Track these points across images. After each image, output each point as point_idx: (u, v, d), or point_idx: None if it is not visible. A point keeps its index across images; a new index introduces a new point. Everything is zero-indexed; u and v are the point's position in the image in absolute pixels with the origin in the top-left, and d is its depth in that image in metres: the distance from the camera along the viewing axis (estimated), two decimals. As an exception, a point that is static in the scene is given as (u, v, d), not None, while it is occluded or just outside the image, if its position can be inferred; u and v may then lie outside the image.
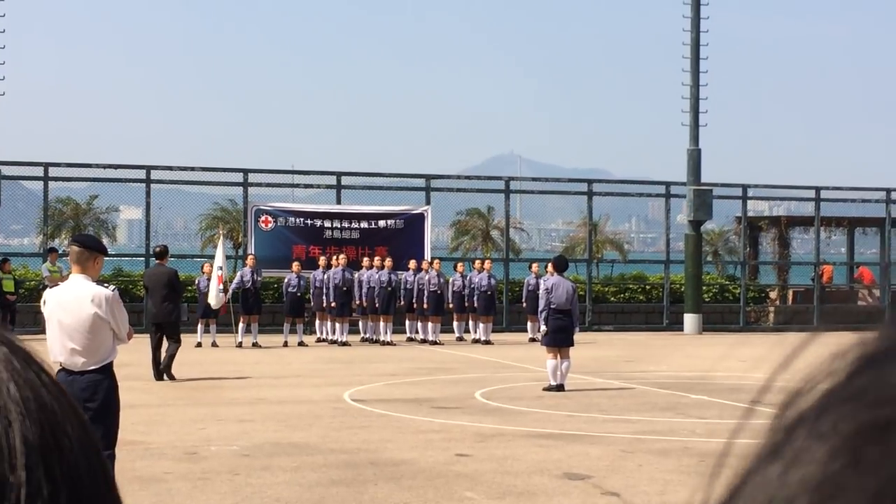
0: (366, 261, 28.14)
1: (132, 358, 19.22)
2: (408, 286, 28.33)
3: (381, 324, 27.55)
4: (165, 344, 19.25)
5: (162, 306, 19.42)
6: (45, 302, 8.14)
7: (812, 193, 37.19)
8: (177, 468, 10.85)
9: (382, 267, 27.73)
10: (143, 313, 29.56)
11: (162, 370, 18.91)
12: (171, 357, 19.05)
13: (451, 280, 28.88)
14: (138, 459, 11.20)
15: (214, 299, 25.25)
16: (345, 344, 26.75)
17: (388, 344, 27.11)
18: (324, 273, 27.57)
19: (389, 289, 27.56)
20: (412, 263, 28.60)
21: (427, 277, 28.11)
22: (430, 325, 27.90)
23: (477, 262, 30.05)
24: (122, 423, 8.33)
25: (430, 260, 29.32)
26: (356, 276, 27.58)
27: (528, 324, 29.50)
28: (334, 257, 28.14)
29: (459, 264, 29.95)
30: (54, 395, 0.74)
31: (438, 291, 27.97)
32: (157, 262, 20.39)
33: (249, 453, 11.67)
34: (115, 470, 8.11)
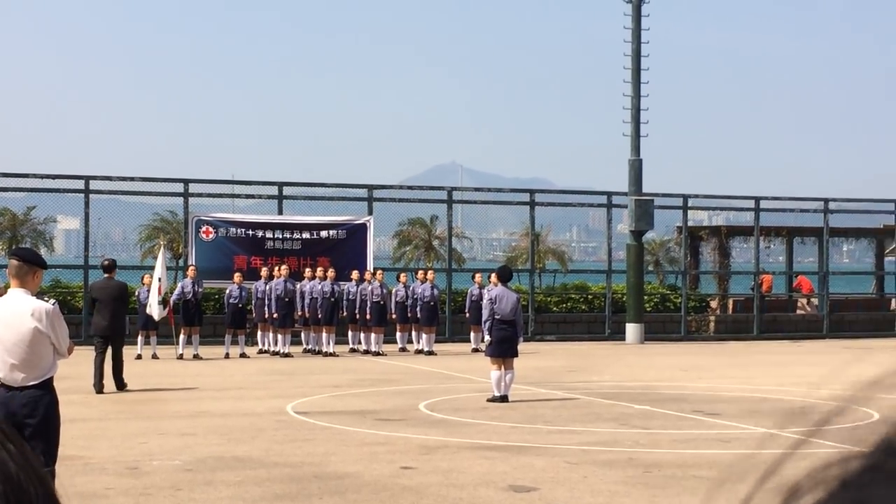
0: (308, 271, 28.01)
1: (72, 371, 18.98)
2: (350, 297, 28.21)
3: (324, 335, 27.41)
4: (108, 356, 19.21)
5: (113, 320, 19.48)
6: (-18, 317, 7.99)
7: (751, 203, 37.53)
8: (118, 483, 10.69)
9: (325, 277, 27.60)
10: (81, 325, 29.37)
11: (117, 381, 19.02)
12: (118, 371, 19.16)
13: (393, 290, 28.80)
14: (78, 475, 11.03)
15: (156, 311, 25.07)
16: (287, 355, 26.58)
17: (331, 355, 26.98)
18: (266, 284, 27.41)
19: (332, 299, 27.42)
20: (355, 274, 28.49)
21: (370, 288, 28.01)
22: (372, 335, 27.79)
23: (420, 272, 29.98)
24: (63, 437, 8.20)
25: (372, 270, 29.23)
26: (298, 286, 27.44)
27: (472, 334, 29.50)
28: (276, 268, 27.99)
29: (402, 275, 29.88)
30: (19, 464, 0.69)
31: (381, 302, 27.87)
32: (105, 275, 20.27)
33: (192, 468, 11.53)
34: (55, 486, 7.97)
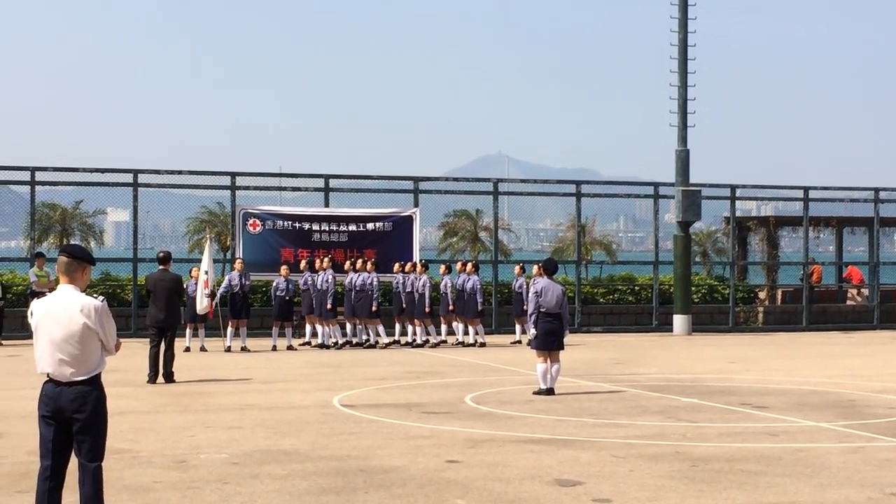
0: (348, 264, 27.96)
1: (121, 364, 19.18)
2: (397, 289, 28.20)
3: (372, 326, 27.47)
4: (162, 347, 19.53)
5: (168, 311, 19.75)
6: (31, 313, 8.06)
7: (800, 193, 37.19)
8: (166, 477, 10.77)
9: (365, 269, 27.46)
10: (130, 318, 29.65)
11: (164, 375, 19.28)
12: (170, 361, 19.45)
13: (441, 282, 28.72)
14: (127, 468, 11.13)
15: (200, 304, 25.26)
16: (336, 346, 26.71)
17: (371, 346, 27.03)
18: (311, 275, 27.42)
19: (375, 292, 27.38)
20: (396, 266, 28.44)
21: (414, 279, 27.95)
22: (419, 328, 27.78)
23: (459, 264, 29.85)
24: (111, 430, 8.26)
25: (419, 262, 29.17)
26: (347, 279, 27.50)
27: (516, 326, 29.41)
28: (319, 260, 27.87)
29: (442, 266, 29.60)
30: None
31: (427, 294, 27.75)
32: (160, 267, 20.51)
33: (239, 461, 11.59)
34: (103, 481, 8.05)
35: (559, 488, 10.34)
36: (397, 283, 28.22)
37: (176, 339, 20.24)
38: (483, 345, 27.70)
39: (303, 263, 28.06)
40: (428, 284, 27.93)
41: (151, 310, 19.96)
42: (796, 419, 15.08)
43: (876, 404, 16.85)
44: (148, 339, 19.88)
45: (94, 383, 7.91)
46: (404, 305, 28.00)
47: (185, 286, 25.92)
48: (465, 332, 28.35)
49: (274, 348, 26.53)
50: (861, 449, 12.69)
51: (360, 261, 27.94)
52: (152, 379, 19.16)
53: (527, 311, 18.88)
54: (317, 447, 12.50)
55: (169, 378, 19.30)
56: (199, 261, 26.91)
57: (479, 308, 28.15)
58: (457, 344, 27.93)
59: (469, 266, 28.93)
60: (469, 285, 28.06)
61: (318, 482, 10.53)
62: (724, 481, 10.68)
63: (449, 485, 10.46)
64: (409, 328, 28.08)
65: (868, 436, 13.67)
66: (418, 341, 27.60)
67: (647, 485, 10.50)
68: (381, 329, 27.58)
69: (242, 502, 9.70)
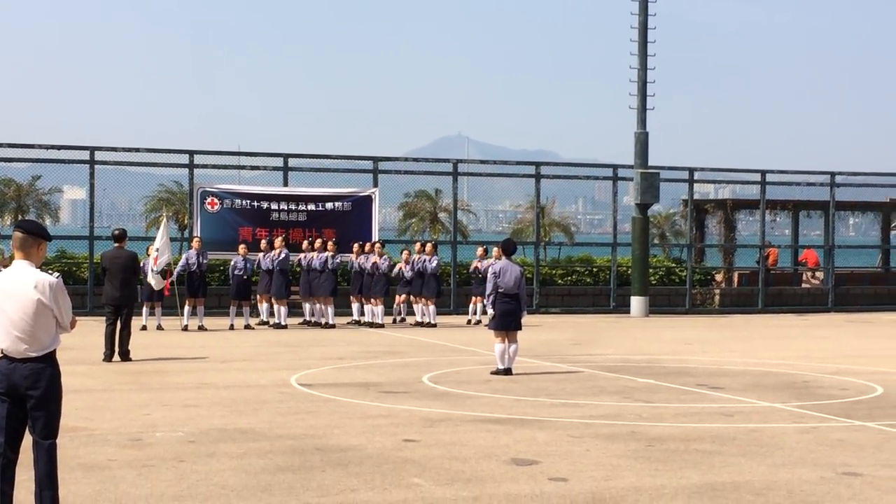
0: (305, 244, 27.95)
1: (77, 342, 19.05)
2: (354, 268, 28.17)
3: (327, 307, 27.43)
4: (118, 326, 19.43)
5: (124, 289, 19.64)
6: (-15, 289, 7.98)
7: (757, 177, 37.43)
8: (121, 455, 10.72)
9: (325, 249, 27.49)
10: (86, 296, 29.44)
11: (120, 354, 19.17)
12: (129, 336, 19.40)
13: (399, 262, 28.70)
14: (82, 446, 11.06)
15: (153, 280, 25.11)
16: (283, 327, 26.67)
17: (331, 327, 27.01)
18: (265, 255, 27.38)
19: (332, 271, 27.40)
20: (356, 247, 28.38)
21: (373, 259, 27.89)
22: (378, 308, 27.75)
23: (417, 245, 29.87)
24: (66, 408, 8.21)
25: (376, 242, 29.12)
26: (298, 258, 27.53)
27: (470, 306, 29.44)
28: (276, 239, 27.80)
29: (422, 245, 29.61)
30: None
31: (385, 274, 27.72)
32: (115, 245, 20.40)
33: (195, 439, 11.55)
34: (57, 458, 7.99)
35: (516, 467, 10.37)
36: (355, 263, 28.17)
37: (133, 318, 20.14)
38: (434, 325, 27.70)
39: (263, 243, 27.89)
40: (386, 264, 27.89)
41: (107, 288, 19.83)
42: (751, 400, 15.21)
43: (829, 385, 17.02)
44: (104, 318, 19.79)
45: (49, 360, 7.85)
46: (362, 285, 27.96)
47: (141, 264, 25.85)
48: (410, 312, 28.48)
49: (231, 327, 26.44)
50: (814, 429, 12.82)
51: (318, 241, 27.91)
52: (108, 357, 19.08)
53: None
54: (274, 426, 12.48)
55: (125, 356, 19.18)
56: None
57: (439, 290, 28.27)
58: (415, 324, 27.93)
59: (428, 247, 28.95)
60: (430, 266, 28.08)
61: (275, 461, 10.51)
62: (680, 461, 10.76)
63: (406, 463, 10.48)
64: (368, 308, 28.02)
65: (821, 416, 13.81)
66: (378, 321, 27.56)
67: (603, 464, 10.56)
68: (331, 310, 27.54)
69: (198, 480, 9.67)
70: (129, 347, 19.37)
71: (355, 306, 28.38)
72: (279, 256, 27.09)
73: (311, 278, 27.35)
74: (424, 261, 28.27)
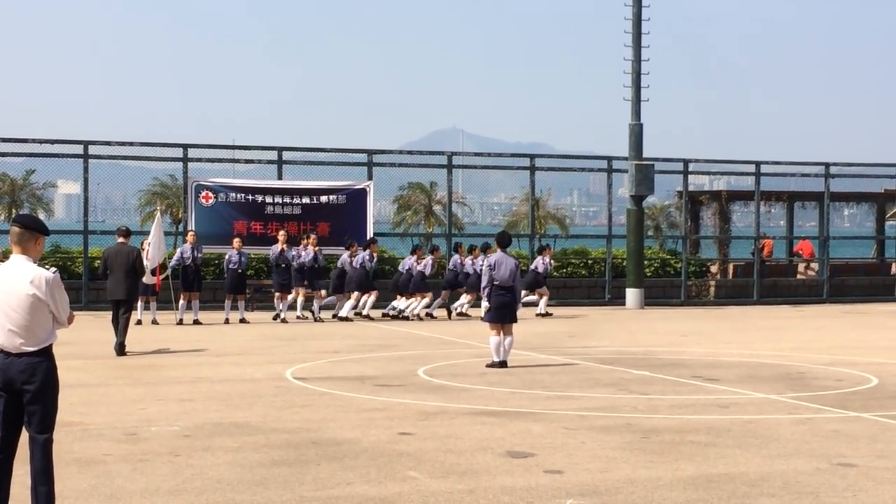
0: (304, 240, 28.03)
1: (72, 336, 19.03)
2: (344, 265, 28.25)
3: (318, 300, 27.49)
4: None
5: (127, 283, 20.03)
6: (-18, 283, 7.97)
7: (752, 168, 37.42)
8: (116, 449, 10.71)
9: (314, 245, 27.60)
10: (81, 290, 29.41)
11: (118, 345, 19.36)
12: (125, 332, 19.61)
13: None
14: (77, 441, 11.06)
15: (145, 276, 25.10)
16: (284, 320, 26.66)
17: (320, 321, 27.04)
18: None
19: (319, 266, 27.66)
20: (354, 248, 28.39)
21: (425, 260, 28.33)
22: (371, 299, 27.76)
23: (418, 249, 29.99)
24: (61, 403, 8.19)
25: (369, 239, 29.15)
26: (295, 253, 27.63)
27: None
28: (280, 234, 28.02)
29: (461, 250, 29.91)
30: None
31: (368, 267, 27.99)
32: (119, 240, 20.75)
33: (190, 434, 11.55)
34: (52, 453, 7.98)
35: (511, 460, 10.38)
36: (409, 263, 28.38)
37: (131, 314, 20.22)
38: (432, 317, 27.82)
39: (282, 234, 27.97)
40: (375, 260, 28.22)
41: (110, 282, 20.20)
42: (746, 391, 15.23)
43: (824, 377, 17.04)
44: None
45: (45, 354, 7.84)
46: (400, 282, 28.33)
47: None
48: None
49: (226, 321, 26.43)
50: (809, 420, 12.83)
51: (313, 236, 27.94)
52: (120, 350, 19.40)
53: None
54: (269, 420, 12.48)
55: (121, 350, 19.23)
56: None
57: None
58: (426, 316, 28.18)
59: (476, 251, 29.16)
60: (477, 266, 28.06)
61: (270, 454, 10.51)
62: (675, 452, 10.77)
63: (401, 457, 10.48)
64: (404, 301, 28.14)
65: (816, 407, 13.82)
66: (366, 312, 27.64)
67: (598, 456, 10.57)
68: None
69: (193, 475, 9.67)
70: (125, 342, 19.42)
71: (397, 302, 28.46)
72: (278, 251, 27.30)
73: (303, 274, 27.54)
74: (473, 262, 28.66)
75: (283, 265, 27.34)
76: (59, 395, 8.00)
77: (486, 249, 27.12)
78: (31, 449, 7.84)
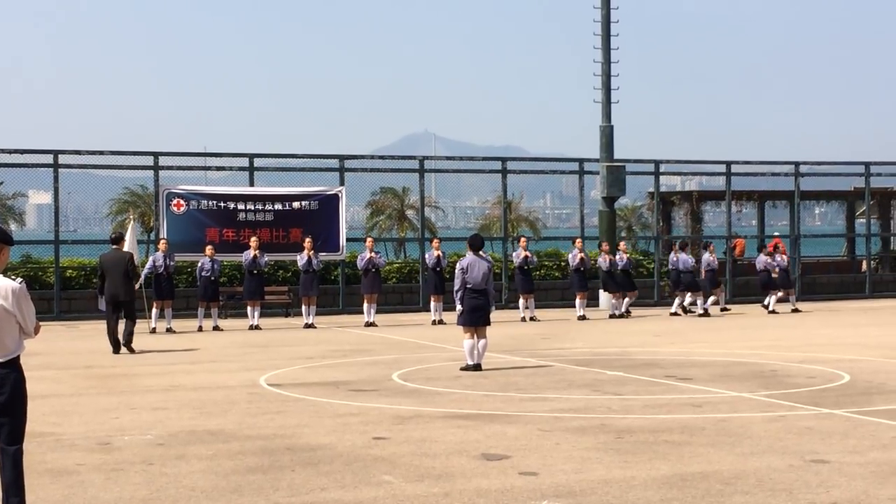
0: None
1: (43, 347, 18.98)
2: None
3: (304, 307, 27.47)
4: (122, 321, 21.13)
5: (123, 286, 21.28)
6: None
7: (723, 168, 37.59)
8: (89, 459, 10.65)
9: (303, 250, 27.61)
10: (53, 301, 29.19)
11: (124, 345, 20.82)
12: (130, 333, 20.97)
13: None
14: (49, 452, 10.98)
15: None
16: (257, 328, 26.57)
17: (310, 326, 26.98)
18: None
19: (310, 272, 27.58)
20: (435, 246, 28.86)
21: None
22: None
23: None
24: (33, 414, 8.17)
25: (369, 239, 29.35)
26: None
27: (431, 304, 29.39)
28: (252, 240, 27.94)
29: (369, 239, 29.81)
30: None
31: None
32: (113, 247, 21.94)
33: (164, 442, 11.50)
34: (23, 464, 7.94)
35: (486, 462, 10.38)
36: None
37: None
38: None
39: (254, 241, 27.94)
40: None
41: (108, 286, 21.27)
42: (719, 390, 15.28)
43: (797, 374, 17.12)
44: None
45: (13, 366, 7.79)
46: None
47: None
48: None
49: (200, 329, 26.35)
50: (782, 418, 12.89)
51: (308, 240, 27.95)
52: (116, 350, 20.62)
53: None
54: (243, 427, 12.44)
55: (129, 346, 20.68)
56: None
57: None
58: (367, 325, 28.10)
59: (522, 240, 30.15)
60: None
61: (245, 461, 10.48)
62: (649, 452, 10.80)
63: (376, 461, 10.47)
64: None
65: (789, 405, 13.88)
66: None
67: (573, 457, 10.59)
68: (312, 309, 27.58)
69: (167, 483, 9.63)
70: (124, 340, 20.81)
71: (434, 305, 28.48)
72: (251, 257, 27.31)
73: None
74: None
75: (255, 272, 27.30)
76: (31, 405, 7.96)
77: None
78: (1, 460, 7.79)
